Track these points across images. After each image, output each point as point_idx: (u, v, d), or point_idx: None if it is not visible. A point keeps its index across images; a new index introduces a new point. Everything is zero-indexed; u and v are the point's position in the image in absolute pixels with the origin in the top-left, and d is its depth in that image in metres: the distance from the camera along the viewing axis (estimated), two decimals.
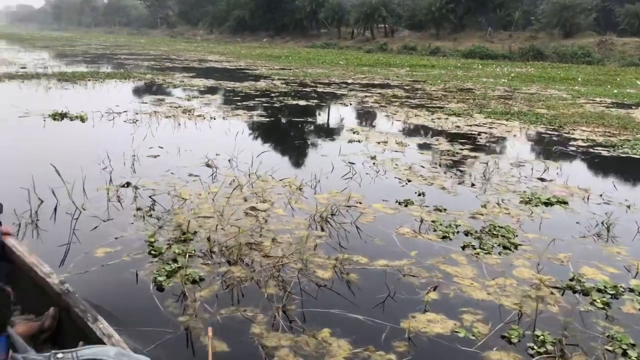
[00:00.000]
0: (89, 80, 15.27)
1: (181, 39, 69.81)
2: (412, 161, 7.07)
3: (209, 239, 3.83)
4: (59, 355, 0.88)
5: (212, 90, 14.57)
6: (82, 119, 8.96)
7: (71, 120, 8.92)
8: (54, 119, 8.87)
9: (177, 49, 40.96)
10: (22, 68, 18.37)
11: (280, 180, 5.66)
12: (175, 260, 3.40)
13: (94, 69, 19.67)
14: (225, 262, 3.47)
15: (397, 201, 5.09)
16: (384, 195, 5.27)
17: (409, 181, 5.96)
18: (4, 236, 2.71)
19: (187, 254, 3.47)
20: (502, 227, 4.45)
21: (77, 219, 4.27)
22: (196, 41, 64.50)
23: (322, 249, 3.81)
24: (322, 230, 4.22)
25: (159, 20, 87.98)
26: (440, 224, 4.47)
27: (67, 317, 2.13)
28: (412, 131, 9.55)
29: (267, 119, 10.19)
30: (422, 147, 8.08)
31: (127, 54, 33.17)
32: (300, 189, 5.35)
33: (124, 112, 9.82)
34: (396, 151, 7.66)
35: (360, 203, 4.93)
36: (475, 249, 3.98)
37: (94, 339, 1.80)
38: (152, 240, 3.75)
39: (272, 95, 13.99)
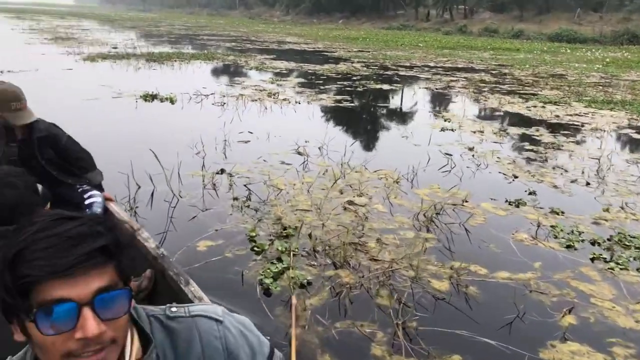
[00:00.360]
0: (175, 60, 15.63)
1: (258, 20, 70.74)
2: (514, 154, 6.52)
3: (310, 235, 3.62)
4: (173, 309, 0.94)
5: (294, 73, 14.44)
6: (172, 101, 9.08)
7: (161, 101, 9.07)
8: (145, 100, 9.06)
9: (255, 30, 41.41)
10: (113, 48, 19.17)
11: (375, 171, 5.35)
12: (279, 260, 3.20)
13: (178, 50, 20.19)
14: (331, 264, 3.23)
15: (506, 200, 4.63)
16: (491, 193, 4.83)
17: (516, 177, 5.45)
18: (106, 201, 2.93)
19: (292, 253, 3.27)
20: (634, 237, 3.90)
21: (174, 207, 4.20)
22: (273, 22, 65.07)
23: (432, 254, 3.48)
24: (428, 231, 3.88)
25: (237, 1, 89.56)
26: (561, 230, 3.99)
27: (162, 279, 2.24)
28: (508, 120, 8.88)
29: (352, 104, 9.88)
30: (522, 138, 7.45)
31: (209, 34, 33.93)
32: (397, 182, 5.02)
33: (211, 94, 9.87)
34: (494, 142, 7.11)
35: (466, 201, 4.53)
36: (607, 262, 3.49)
37: (186, 301, 1.87)
38: (253, 234, 3.58)
39: (354, 78, 13.64)
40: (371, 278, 3.06)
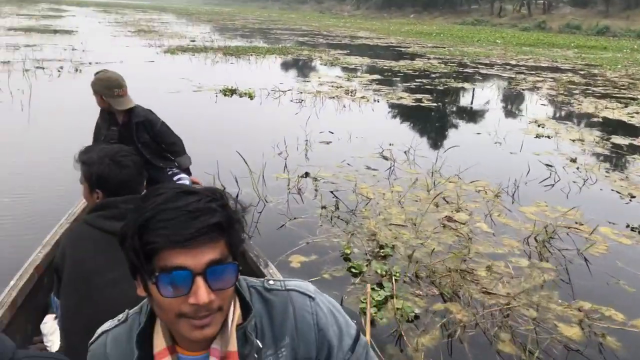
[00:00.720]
0: (251, 55, 15.67)
1: (329, 14, 70.67)
2: (625, 168, 5.83)
3: (410, 257, 3.27)
4: (271, 282, 0.98)
5: (369, 69, 14.04)
6: (250, 96, 8.98)
7: (240, 97, 8.99)
8: (225, 95, 9.01)
9: (326, 25, 41.26)
10: (191, 41, 19.56)
11: (471, 182, 4.91)
12: (380, 285, 2.88)
13: (253, 44, 20.32)
14: (438, 295, 2.86)
15: (628, 225, 4.05)
16: (606, 215, 4.26)
17: (633, 197, 4.82)
18: (194, 185, 3.02)
19: (393, 278, 2.94)
20: None
21: (260, 212, 3.98)
22: (343, 17, 64.72)
23: (553, 289, 3.03)
24: (542, 259, 3.42)
25: None
26: None
27: (243, 260, 2.22)
28: (609, 128, 8.05)
29: (434, 104, 9.37)
30: (630, 149, 6.69)
31: (282, 28, 34.11)
32: (497, 197, 4.55)
33: (289, 90, 9.68)
34: (598, 153, 6.42)
35: (581, 224, 4.00)
36: None
37: None
38: (348, 252, 3.28)
39: (433, 76, 13.07)
40: (486, 316, 2.67)
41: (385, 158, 5.65)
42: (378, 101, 9.26)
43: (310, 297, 0.96)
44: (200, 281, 0.79)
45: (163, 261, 0.79)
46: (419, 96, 9.94)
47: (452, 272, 3.01)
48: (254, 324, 0.92)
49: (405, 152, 5.88)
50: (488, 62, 18.02)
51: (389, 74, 13.28)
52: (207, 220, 0.79)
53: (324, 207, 4.06)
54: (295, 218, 3.87)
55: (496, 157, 6.14)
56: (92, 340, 0.98)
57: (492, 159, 6.04)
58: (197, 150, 5.25)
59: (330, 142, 6.27)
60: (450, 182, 4.89)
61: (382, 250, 3.31)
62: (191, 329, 0.82)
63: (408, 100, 9.51)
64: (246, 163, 4.51)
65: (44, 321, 1.97)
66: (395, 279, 2.93)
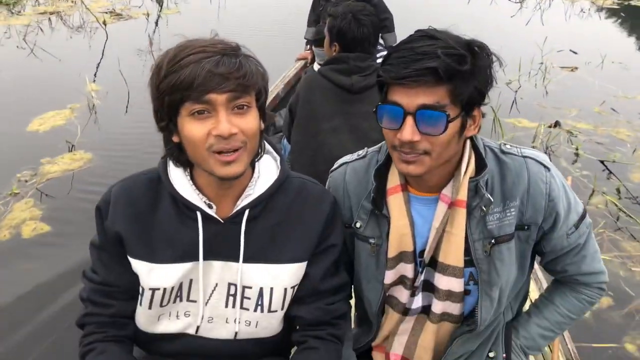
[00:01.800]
0: None
1: None
2: None
3: None
4: (507, 146, 0.97)
5: None
6: None
7: None
8: None
9: None
10: None
11: None
12: None
13: None
14: None
15: None
16: None
17: None
18: None
19: None
20: None
21: None
22: None
23: None
24: None
25: None
26: None
27: None
28: None
29: None
30: None
31: None
32: None
33: None
34: None
35: None
36: None
37: None
38: None
39: None
40: None
41: None
42: (628, 5, 6.90)
43: (546, 167, 0.95)
44: (409, 120, 0.84)
45: (388, 95, 0.88)
46: None
47: None
48: (486, 180, 0.94)
49: None
50: None
51: None
52: (424, 64, 0.81)
53: (600, 193, 2.68)
54: None
55: None
56: (333, 168, 1.09)
57: None
58: None
59: (577, 68, 4.57)
60: None
61: None
62: (398, 161, 0.90)
63: None
64: None
65: None
66: None
